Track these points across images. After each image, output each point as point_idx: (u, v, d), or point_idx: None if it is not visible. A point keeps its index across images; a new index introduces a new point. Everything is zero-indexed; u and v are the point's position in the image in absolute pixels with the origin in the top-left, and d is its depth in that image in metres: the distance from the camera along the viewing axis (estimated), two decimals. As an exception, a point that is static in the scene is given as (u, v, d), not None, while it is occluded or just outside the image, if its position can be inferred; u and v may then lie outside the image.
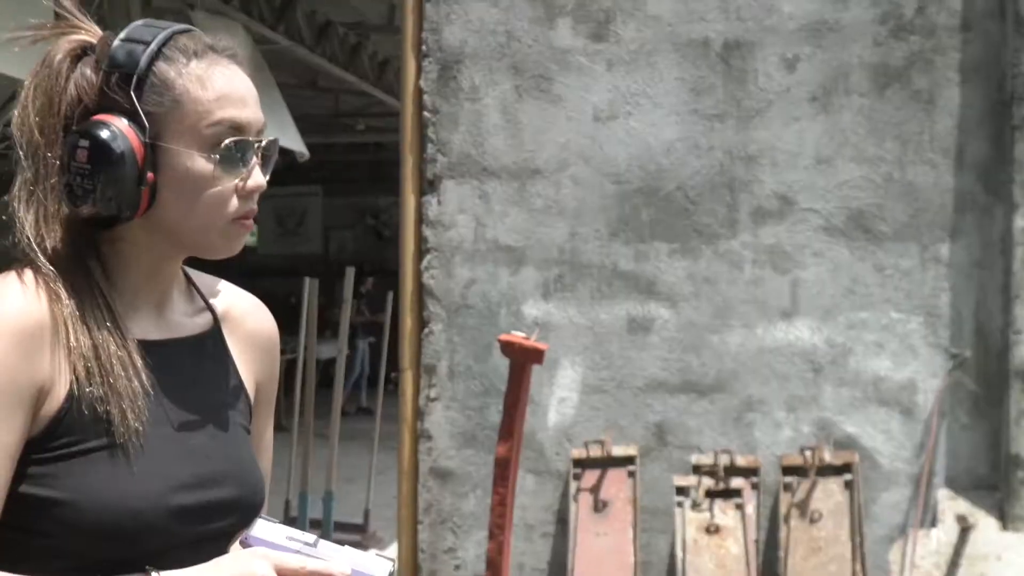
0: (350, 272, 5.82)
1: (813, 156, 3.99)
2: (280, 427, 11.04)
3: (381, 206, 16.91)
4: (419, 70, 4.05)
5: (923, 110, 3.93)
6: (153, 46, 1.28)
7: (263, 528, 1.33)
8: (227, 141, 1.27)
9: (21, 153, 1.28)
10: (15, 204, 1.27)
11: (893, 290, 3.96)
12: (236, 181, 1.29)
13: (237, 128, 1.28)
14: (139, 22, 1.32)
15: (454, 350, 4.08)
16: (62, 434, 1.25)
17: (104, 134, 1.25)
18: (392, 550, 4.64)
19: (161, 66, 1.28)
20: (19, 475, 1.25)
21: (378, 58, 9.72)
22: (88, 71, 1.29)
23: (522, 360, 3.17)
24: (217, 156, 1.27)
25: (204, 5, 6.96)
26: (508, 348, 3.21)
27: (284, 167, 18.33)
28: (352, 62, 9.24)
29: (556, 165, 4.02)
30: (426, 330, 4.09)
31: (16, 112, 1.30)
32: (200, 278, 1.44)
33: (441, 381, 4.10)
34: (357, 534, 6.34)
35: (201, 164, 1.27)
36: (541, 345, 3.15)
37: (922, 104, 3.93)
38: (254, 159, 1.30)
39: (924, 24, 3.92)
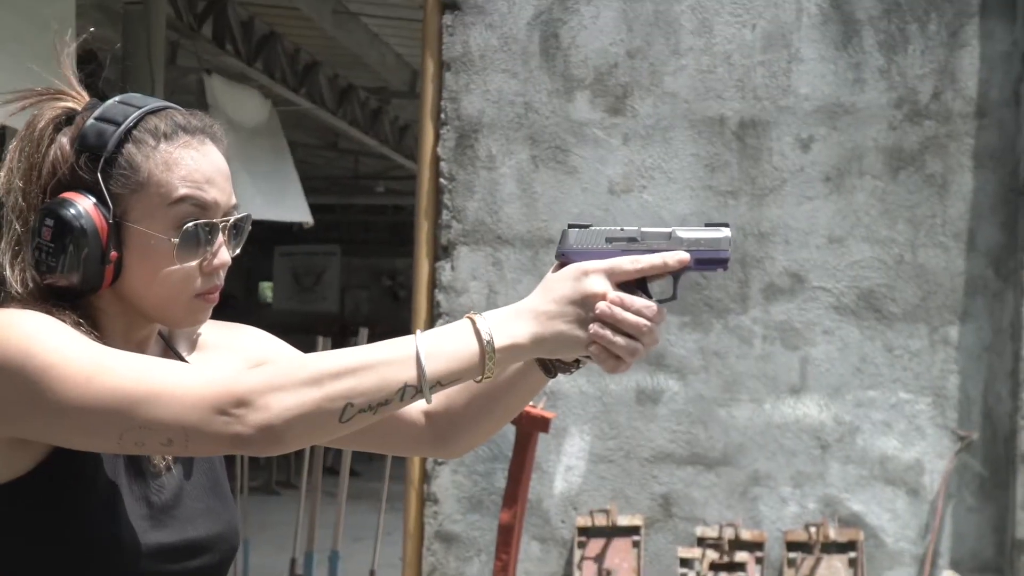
0: (363, 333, 5.86)
1: (825, 235, 4.03)
2: (288, 485, 10.92)
3: (398, 268, 17.03)
4: (437, 137, 4.12)
5: (936, 194, 3.97)
6: (122, 129, 1.32)
7: (578, 237, 1.29)
8: (189, 224, 1.31)
9: (9, 212, 1.33)
10: (3, 258, 1.32)
11: (902, 370, 3.97)
12: (200, 260, 1.33)
13: (201, 208, 1.32)
14: (116, 99, 1.36)
15: (463, 415, 4.10)
16: (55, 466, 1.28)
17: (68, 213, 1.29)
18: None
19: (129, 148, 1.32)
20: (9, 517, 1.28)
21: (399, 123, 9.86)
22: (65, 142, 1.33)
23: (528, 428, 3.19)
24: (177, 239, 1.31)
25: (226, 68, 7.08)
26: (515, 416, 3.24)
27: (303, 226, 18.42)
28: (373, 126, 9.37)
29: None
30: (436, 394, 4.11)
31: (3, 173, 1.34)
32: (187, 330, 1.48)
33: (449, 445, 4.12)
34: (361, 595, 6.32)
35: (164, 244, 1.31)
36: (548, 414, 3.17)
37: (935, 188, 3.97)
38: (219, 238, 1.34)
39: (939, 110, 3.98)
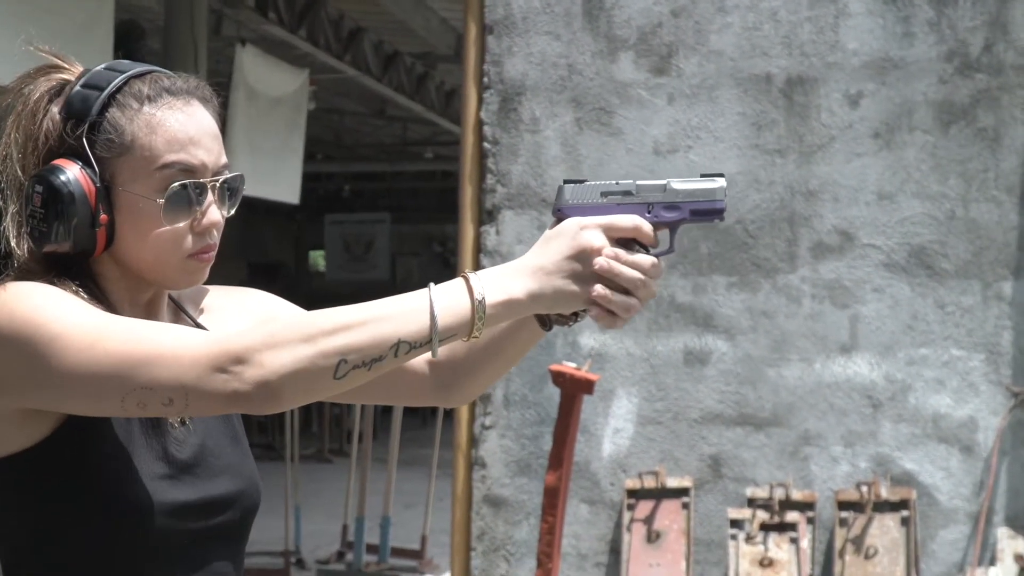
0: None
1: (875, 192, 4.01)
2: (340, 453, 11.07)
3: (448, 234, 17.07)
4: (480, 101, 4.14)
5: (988, 148, 3.94)
6: (105, 93, 1.35)
7: (573, 192, 1.31)
8: (174, 185, 1.34)
9: (4, 188, 1.36)
10: (9, 234, 1.35)
11: (954, 327, 3.96)
12: (189, 220, 1.36)
13: (188, 170, 1.35)
14: (103, 66, 1.39)
15: (509, 379, 4.14)
16: (70, 432, 1.32)
17: (56, 180, 1.33)
18: (447, 576, 4.70)
19: (113, 112, 1.35)
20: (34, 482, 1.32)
21: (445, 88, 9.86)
22: (55, 111, 1.37)
23: (573, 391, 3.22)
24: (162, 200, 1.34)
25: (269, 36, 7.11)
26: (559, 378, 3.27)
27: (353, 195, 18.52)
28: (419, 91, 9.38)
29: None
30: (484, 358, 4.15)
31: (0, 147, 1.38)
32: (194, 294, 1.52)
33: (496, 409, 4.17)
34: (414, 559, 6.41)
35: (151, 206, 1.34)
36: (592, 376, 3.20)
37: (987, 142, 3.94)
38: (208, 197, 1.37)
39: (991, 62, 3.94)
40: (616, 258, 1.26)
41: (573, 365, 3.34)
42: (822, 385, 4.03)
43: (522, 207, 4.14)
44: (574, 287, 1.27)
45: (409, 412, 8.96)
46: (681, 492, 4.06)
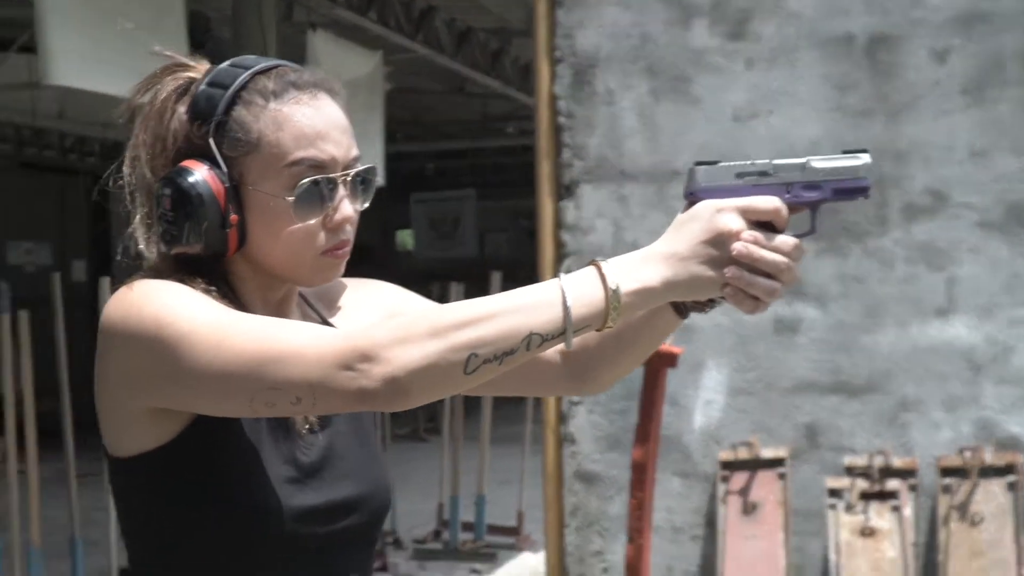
0: (495, 277, 5.90)
1: (967, 150, 3.89)
2: (436, 432, 11.10)
3: (534, 208, 16.98)
4: (553, 75, 4.10)
5: (1083, 98, 3.80)
6: (231, 92, 1.34)
7: (707, 174, 1.28)
8: (304, 181, 1.32)
9: (134, 190, 1.36)
10: (138, 237, 1.35)
11: (1055, 285, 3.84)
12: (321, 217, 1.34)
13: (317, 166, 1.33)
14: (228, 63, 1.38)
15: (597, 354, 4.11)
16: (199, 432, 1.32)
17: (184, 181, 1.31)
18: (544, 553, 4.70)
19: (239, 111, 1.33)
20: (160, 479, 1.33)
21: (520, 62, 9.81)
22: (182, 112, 1.36)
23: (656, 364, 3.19)
24: (292, 197, 1.32)
25: (340, 20, 7.11)
26: (651, 354, 3.23)
27: (437, 172, 18.54)
28: (495, 67, 9.34)
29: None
30: (569, 335, 4.13)
31: (128, 149, 1.37)
32: (325, 290, 1.50)
33: (585, 386, 4.14)
34: (510, 536, 6.43)
35: (281, 205, 1.32)
36: (675, 349, 3.16)
37: (1083, 91, 3.80)
38: (339, 192, 1.35)
39: (1081, 8, 3.79)
40: (756, 242, 1.23)
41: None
42: (919, 350, 3.93)
43: (600, 180, 4.10)
44: (711, 273, 1.24)
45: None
46: (776, 463, 4.01)
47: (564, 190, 4.12)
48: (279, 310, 1.41)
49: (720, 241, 1.23)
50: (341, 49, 6.83)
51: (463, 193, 17.68)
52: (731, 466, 4.03)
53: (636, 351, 1.46)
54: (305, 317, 1.46)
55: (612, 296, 1.21)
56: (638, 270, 1.23)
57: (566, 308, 1.21)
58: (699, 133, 4.04)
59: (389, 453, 6.60)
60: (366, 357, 1.19)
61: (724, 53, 4.04)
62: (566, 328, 1.21)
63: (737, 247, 1.23)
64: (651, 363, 3.16)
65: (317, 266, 1.36)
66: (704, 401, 4.08)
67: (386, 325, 1.22)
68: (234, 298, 1.36)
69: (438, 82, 10.67)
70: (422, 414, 10.69)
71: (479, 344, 1.19)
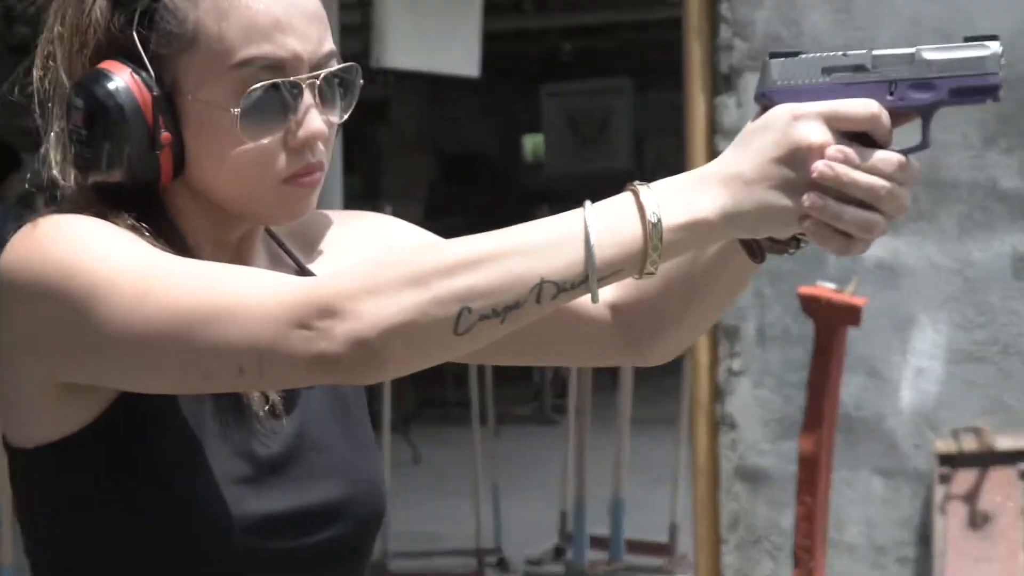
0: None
1: None
2: (550, 421, 11.05)
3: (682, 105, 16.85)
4: (711, -81, 4.13)
5: None
6: None
7: (784, 70, 1.31)
8: (256, 86, 1.35)
9: (46, 98, 1.40)
10: (51, 161, 1.40)
11: None
12: (280, 133, 1.37)
13: (274, 67, 1.36)
14: None
15: (765, 305, 4.15)
16: (122, 416, 1.37)
17: (99, 90, 1.35)
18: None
19: None
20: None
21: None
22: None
23: (831, 322, 3.22)
24: (238, 109, 1.35)
25: None
26: (811, 304, 3.27)
27: (578, 56, 18.39)
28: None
29: (904, 47, 4.00)
30: (729, 278, 4.18)
31: (40, 44, 1.41)
32: (305, 229, 1.55)
33: (748, 348, 4.18)
34: (660, 556, 6.49)
35: (226, 118, 1.36)
36: (857, 300, 3.19)
37: None
38: (305, 99, 1.37)
39: None
40: (846, 159, 1.24)
41: (832, 286, 3.33)
42: None
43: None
44: (786, 201, 1.25)
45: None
46: (1017, 456, 4.01)
47: (722, 80, 4.14)
48: (237, 253, 1.45)
49: (798, 158, 1.24)
50: None
51: (614, 83, 17.63)
52: (953, 461, 4.03)
53: (705, 307, 1.48)
54: (275, 263, 1.50)
55: (652, 231, 1.23)
56: (689, 197, 1.25)
57: (588, 247, 1.22)
58: (910, 1, 4.02)
59: (505, 440, 6.66)
60: (327, 312, 1.21)
61: None
62: (588, 274, 1.23)
63: (819, 166, 1.24)
64: (823, 320, 3.20)
65: (278, 197, 1.39)
66: (915, 371, 4.08)
67: (355, 269, 1.25)
68: (175, 237, 1.39)
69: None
70: (550, 386, 10.78)
71: (472, 295, 1.21)
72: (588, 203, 1.25)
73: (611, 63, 17.52)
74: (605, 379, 6.68)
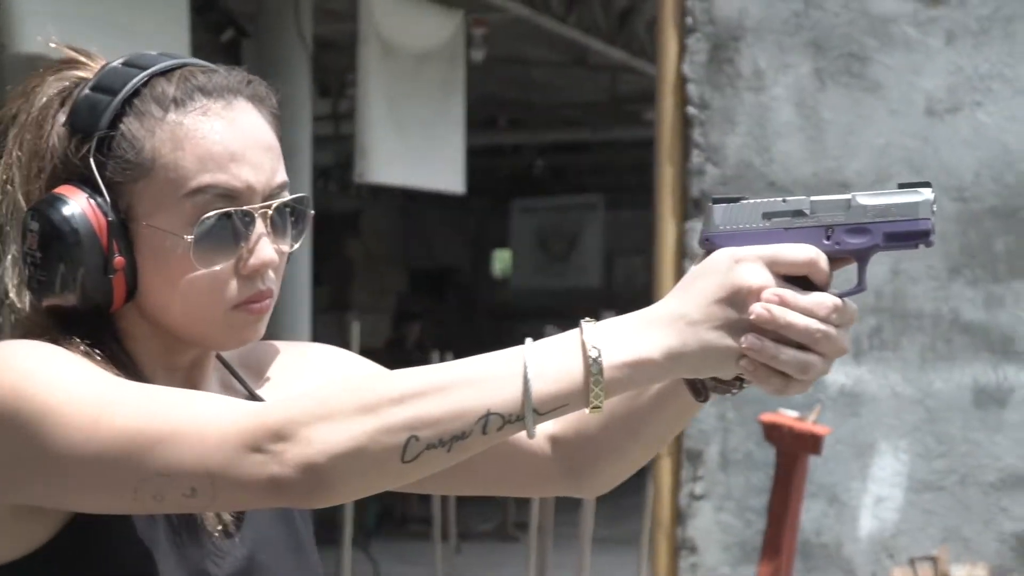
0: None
1: None
2: (511, 538, 10.98)
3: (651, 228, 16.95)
4: (682, 50, 4.18)
5: None
6: (118, 99, 1.41)
7: (725, 215, 1.34)
8: (209, 215, 1.40)
9: (4, 222, 1.45)
10: (7, 283, 1.44)
11: None
12: (232, 260, 1.42)
13: (227, 195, 1.41)
14: (120, 60, 1.45)
15: (727, 429, 4.18)
16: (76, 537, 1.40)
17: (55, 214, 1.39)
18: None
19: (129, 123, 1.41)
20: None
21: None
22: (62, 121, 1.43)
23: (793, 450, 3.26)
24: (191, 236, 1.39)
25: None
26: (773, 432, 3.30)
27: (551, 173, 18.50)
28: (621, 33, 9.39)
29: (873, 177, 4.07)
30: (693, 401, 4.21)
31: (0, 167, 1.45)
32: (254, 356, 1.59)
33: (710, 472, 4.20)
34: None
35: (180, 245, 1.40)
36: (819, 429, 3.23)
37: None
38: (257, 228, 1.42)
39: None
40: (781, 301, 1.28)
41: (794, 414, 3.36)
42: None
43: (742, 193, 4.16)
44: (728, 341, 1.28)
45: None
46: (974, 587, 4.03)
47: (692, 205, 4.20)
48: (189, 379, 1.49)
49: (740, 300, 1.28)
50: (409, 7, 6.97)
51: (586, 200, 17.69)
52: (911, 588, 4.06)
53: (645, 441, 1.52)
54: (226, 389, 1.54)
55: (592, 366, 1.27)
56: (633, 335, 1.28)
57: (526, 382, 1.26)
58: (879, 131, 4.09)
59: (466, 556, 6.68)
60: (278, 436, 1.25)
61: (917, 23, 4.09)
62: (524, 409, 1.26)
63: (756, 308, 1.27)
64: (785, 448, 3.23)
65: (228, 324, 1.44)
66: (875, 498, 4.11)
67: (308, 396, 1.29)
68: (127, 362, 1.43)
69: (553, 51, 10.81)
70: (512, 502, 10.77)
71: (420, 424, 1.25)
72: (529, 340, 1.30)
73: (584, 180, 17.58)
74: (568, 496, 6.67)
